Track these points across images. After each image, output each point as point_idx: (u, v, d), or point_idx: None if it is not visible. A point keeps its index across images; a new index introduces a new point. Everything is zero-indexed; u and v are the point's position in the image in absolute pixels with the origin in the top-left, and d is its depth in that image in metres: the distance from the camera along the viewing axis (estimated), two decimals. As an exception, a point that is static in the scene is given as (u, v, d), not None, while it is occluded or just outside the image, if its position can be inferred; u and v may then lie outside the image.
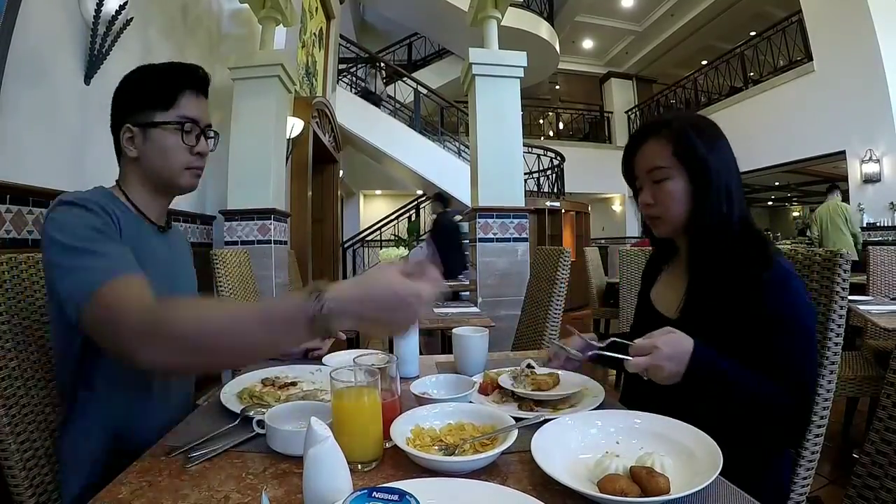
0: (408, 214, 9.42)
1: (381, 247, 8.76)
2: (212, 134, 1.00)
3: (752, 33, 8.74)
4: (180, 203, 2.84)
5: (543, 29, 8.49)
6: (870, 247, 2.89)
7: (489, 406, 0.86)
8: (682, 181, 0.90)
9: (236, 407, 0.85)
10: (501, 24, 3.40)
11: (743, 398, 0.79)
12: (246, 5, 3.25)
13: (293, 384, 1.00)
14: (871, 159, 6.02)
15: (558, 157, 9.00)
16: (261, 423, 0.73)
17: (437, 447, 0.69)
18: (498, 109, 3.17)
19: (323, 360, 1.20)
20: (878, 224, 5.96)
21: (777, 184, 11.78)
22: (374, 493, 0.49)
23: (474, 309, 2.51)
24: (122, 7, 2.08)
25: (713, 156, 0.88)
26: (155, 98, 0.93)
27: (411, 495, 0.49)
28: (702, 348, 0.78)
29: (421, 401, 0.84)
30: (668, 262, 1.07)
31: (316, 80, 5.27)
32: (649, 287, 1.09)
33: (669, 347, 0.77)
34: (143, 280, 0.75)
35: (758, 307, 0.82)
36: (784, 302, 0.82)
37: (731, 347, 0.81)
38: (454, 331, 1.14)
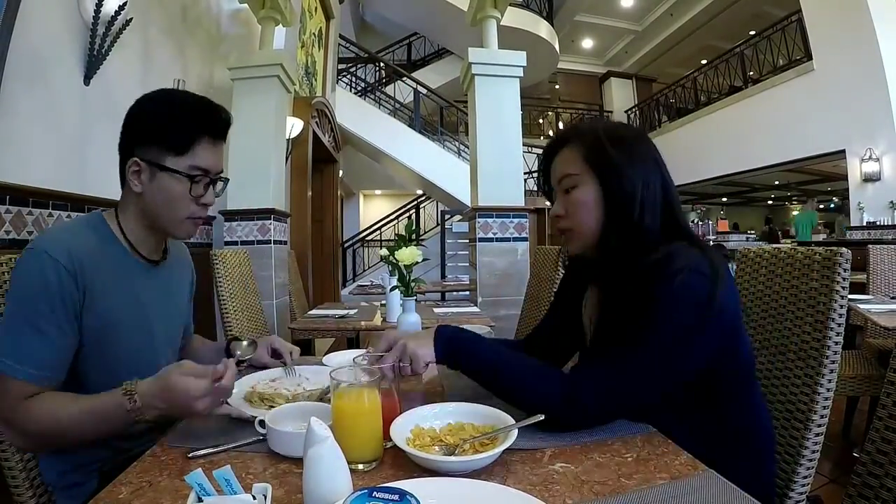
0: (408, 214, 9.43)
1: (380, 246, 8.77)
2: (223, 180, 0.97)
3: (752, 33, 8.73)
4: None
5: (543, 28, 8.49)
6: (870, 246, 2.89)
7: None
8: (592, 188, 0.83)
9: (244, 407, 0.85)
10: (501, 23, 3.40)
11: (498, 385, 0.80)
12: (245, 5, 3.25)
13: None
14: (870, 158, 6.02)
15: (558, 157, 8.99)
16: (262, 424, 0.73)
17: (437, 447, 0.69)
18: (497, 109, 3.17)
19: (323, 360, 1.20)
20: (878, 223, 5.96)
21: (777, 183, 11.78)
22: (374, 493, 0.49)
23: (474, 309, 2.51)
24: (121, 7, 2.08)
25: (627, 161, 0.82)
26: (170, 140, 0.87)
27: (411, 495, 0.49)
28: (445, 327, 0.83)
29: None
30: (587, 281, 0.99)
31: (315, 79, 5.27)
32: (577, 305, 1.00)
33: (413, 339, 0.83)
34: (19, 385, 0.76)
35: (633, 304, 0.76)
36: (654, 288, 0.74)
37: None
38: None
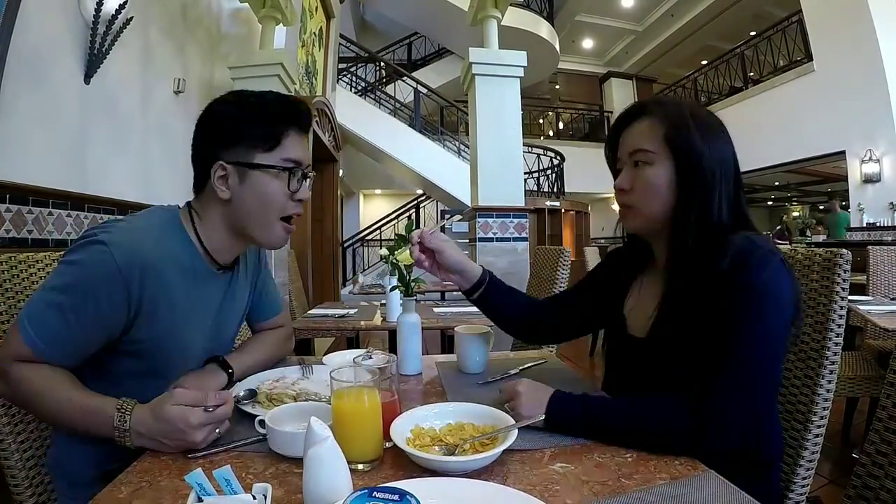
0: (407, 214, 9.43)
1: (380, 246, 8.77)
2: (312, 174, 0.92)
3: (752, 33, 8.74)
4: (179, 202, 2.84)
5: (543, 28, 8.50)
6: (870, 247, 2.89)
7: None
8: (667, 170, 0.78)
9: (248, 408, 0.85)
10: (501, 23, 3.40)
11: (627, 433, 0.70)
12: (246, 5, 3.25)
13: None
14: (871, 159, 6.03)
15: (558, 157, 9.01)
16: (262, 424, 0.73)
17: (437, 447, 0.69)
18: (498, 109, 3.17)
19: (323, 359, 1.20)
20: (878, 224, 5.96)
21: (777, 183, 11.79)
22: (374, 493, 0.49)
23: (474, 309, 2.50)
24: (121, 6, 2.07)
25: (709, 150, 0.76)
26: (258, 136, 0.84)
27: (411, 495, 0.49)
28: (561, 393, 0.76)
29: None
30: (641, 269, 0.94)
31: (316, 79, 5.27)
32: (620, 292, 0.96)
33: (529, 391, 0.77)
34: (28, 351, 0.75)
35: (723, 291, 0.71)
36: (748, 273, 0.69)
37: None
38: (456, 329, 1.14)
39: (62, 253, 0.82)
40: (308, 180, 0.91)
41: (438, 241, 0.98)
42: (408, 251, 1.13)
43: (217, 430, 0.73)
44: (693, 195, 0.77)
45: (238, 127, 0.85)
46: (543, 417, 0.75)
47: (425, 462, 0.64)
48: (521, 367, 1.14)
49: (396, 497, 0.48)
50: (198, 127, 0.88)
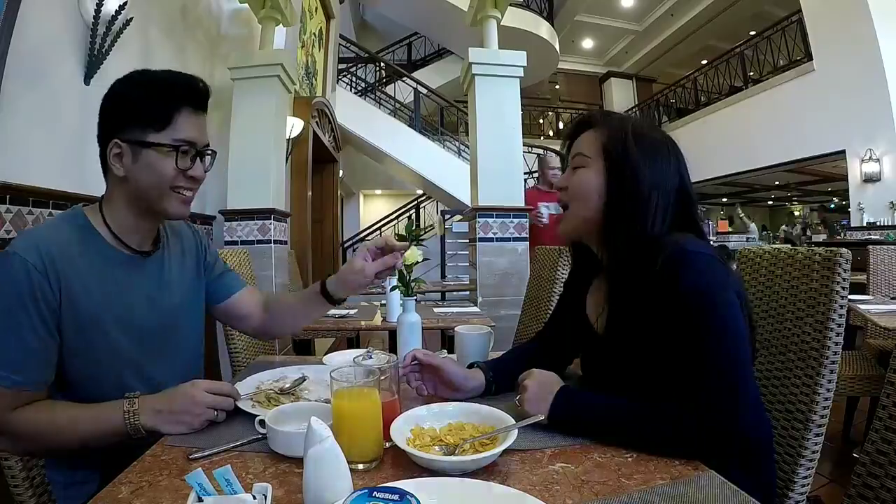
0: (408, 214, 9.43)
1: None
2: (209, 153, 0.92)
3: (752, 33, 8.74)
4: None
5: (543, 28, 8.49)
6: (870, 246, 2.89)
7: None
8: (598, 175, 0.83)
9: (247, 407, 0.85)
10: (501, 23, 3.40)
11: (631, 434, 0.71)
12: (246, 5, 3.25)
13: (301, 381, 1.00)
14: (871, 159, 6.02)
15: (558, 157, 9.00)
16: (262, 424, 0.74)
17: (437, 447, 0.69)
18: (498, 109, 3.17)
19: (323, 359, 1.20)
20: (878, 223, 5.96)
21: (777, 183, 11.78)
22: (374, 493, 0.49)
23: (474, 309, 2.51)
24: (121, 7, 2.08)
25: (645, 166, 0.80)
26: (148, 115, 0.85)
27: (412, 495, 0.49)
28: (567, 390, 0.77)
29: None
30: (597, 270, 0.97)
31: (316, 79, 5.27)
32: (580, 294, 0.99)
33: (536, 387, 0.78)
34: (13, 393, 0.76)
35: (660, 299, 0.74)
36: (682, 282, 0.72)
37: (659, 366, 0.75)
38: (456, 329, 1.14)
39: None
40: (207, 159, 0.91)
41: (437, 359, 0.92)
42: (410, 250, 1.13)
43: (216, 414, 0.80)
44: (622, 203, 0.81)
45: (131, 106, 0.85)
46: (542, 417, 0.75)
47: (425, 462, 0.64)
48: None
49: (396, 497, 0.48)
50: (102, 104, 0.88)
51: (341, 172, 6.14)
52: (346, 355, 1.16)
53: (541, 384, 0.79)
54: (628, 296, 0.81)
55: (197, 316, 1.05)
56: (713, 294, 0.73)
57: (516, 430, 0.69)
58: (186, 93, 0.87)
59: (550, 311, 1.85)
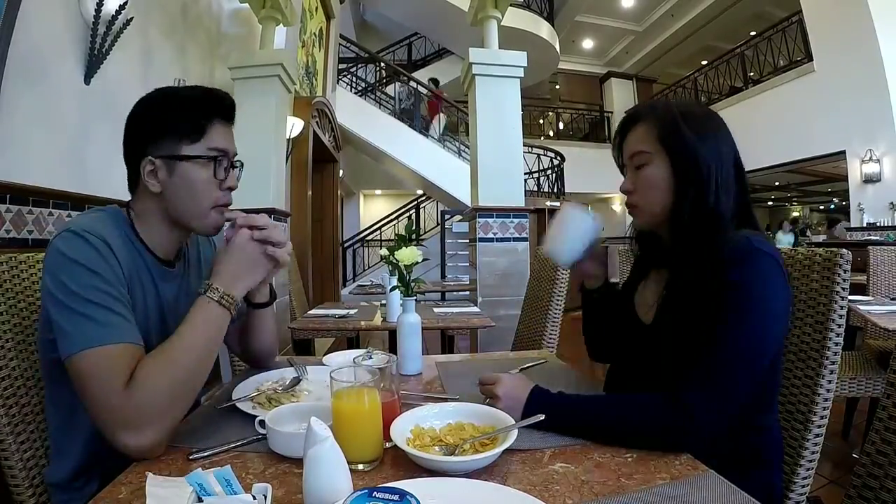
0: (408, 214, 9.43)
1: (381, 246, 8.77)
2: (238, 164, 0.95)
3: (752, 33, 8.74)
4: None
5: (543, 29, 8.49)
6: (870, 247, 2.89)
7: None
8: (663, 168, 0.83)
9: (248, 408, 0.85)
10: (501, 23, 3.40)
11: (602, 429, 0.73)
12: (246, 5, 3.25)
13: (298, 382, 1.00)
14: (871, 159, 6.02)
15: (558, 157, 9.00)
16: (262, 424, 0.73)
17: (437, 447, 0.69)
18: (498, 109, 3.17)
19: (323, 360, 1.20)
20: (878, 224, 5.96)
21: (777, 184, 11.78)
22: (375, 493, 0.49)
23: (474, 309, 2.51)
24: (122, 7, 2.08)
25: (702, 144, 0.81)
26: (183, 128, 0.86)
27: (411, 495, 0.49)
28: (539, 392, 0.79)
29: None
30: (655, 262, 0.98)
31: (316, 79, 5.27)
32: (633, 288, 1.02)
33: (505, 390, 0.80)
34: (132, 349, 0.73)
35: (710, 293, 0.75)
36: (739, 274, 0.73)
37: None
38: (564, 205, 1.05)
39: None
40: (236, 170, 0.94)
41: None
42: (410, 250, 1.13)
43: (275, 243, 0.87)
44: (689, 187, 0.81)
45: (163, 121, 0.86)
46: (543, 417, 0.75)
47: (425, 462, 0.64)
48: (521, 368, 1.14)
49: (396, 497, 0.48)
50: (126, 125, 0.89)
51: (341, 172, 6.14)
52: (346, 355, 1.16)
53: (512, 387, 0.81)
54: (686, 280, 0.81)
55: None
56: (755, 295, 0.73)
57: (516, 430, 0.69)
58: (218, 105, 0.90)
59: (550, 312, 1.86)
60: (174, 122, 0.86)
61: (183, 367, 0.74)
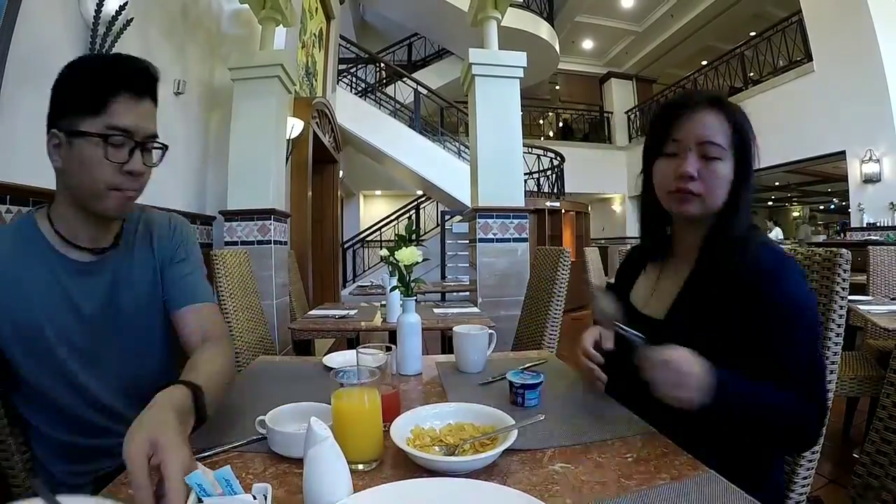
0: (408, 214, 9.43)
1: (381, 247, 8.77)
2: (156, 146, 0.83)
3: (752, 33, 8.73)
4: (178, 203, 2.84)
5: (543, 29, 8.49)
6: (870, 247, 2.89)
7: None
8: (730, 167, 0.84)
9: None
10: (501, 24, 3.40)
11: (764, 417, 0.74)
12: (246, 6, 3.25)
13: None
14: (871, 159, 6.02)
15: (558, 158, 9.00)
16: (262, 424, 0.73)
17: (437, 447, 0.69)
18: (498, 109, 3.17)
19: (323, 360, 1.20)
20: (878, 224, 5.96)
21: (777, 184, 11.78)
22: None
23: (474, 309, 2.51)
24: (122, 7, 2.08)
25: (753, 149, 0.86)
26: (81, 102, 0.77)
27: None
28: (719, 373, 0.71)
29: None
30: (654, 259, 1.00)
31: (316, 80, 5.27)
32: (628, 286, 1.02)
33: (677, 356, 0.71)
34: None
35: (754, 301, 0.78)
36: (782, 290, 0.77)
37: (722, 352, 0.75)
38: (455, 329, 1.14)
39: None
40: (156, 153, 0.84)
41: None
42: (410, 250, 1.13)
43: None
44: (745, 190, 0.85)
45: (67, 91, 0.79)
46: (542, 417, 0.74)
47: (425, 462, 0.64)
48: (521, 367, 1.14)
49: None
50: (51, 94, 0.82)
51: (341, 173, 6.14)
52: (346, 355, 1.16)
53: (682, 356, 0.72)
54: (711, 280, 0.84)
55: (160, 314, 0.95)
56: (807, 306, 0.78)
57: (516, 431, 0.69)
58: (124, 75, 0.80)
59: (550, 312, 1.86)
60: (75, 93, 0.79)
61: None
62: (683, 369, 0.70)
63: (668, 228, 0.97)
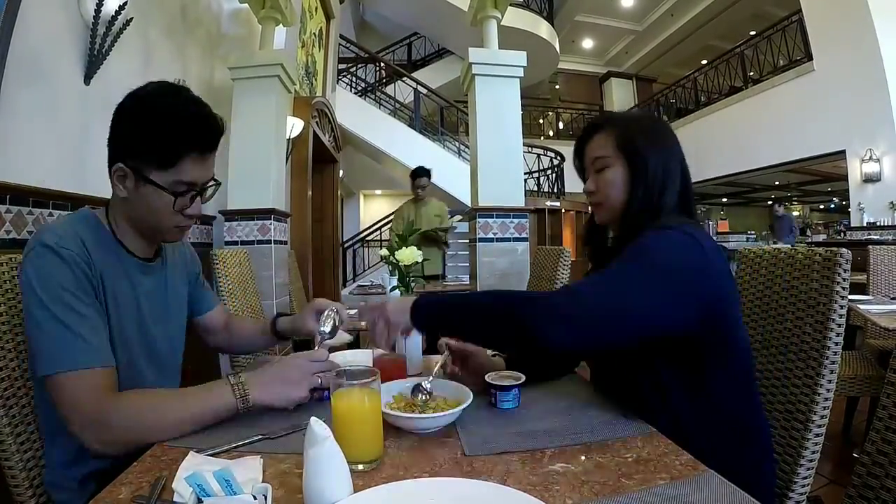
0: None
1: (381, 246, 8.76)
2: (211, 184, 0.91)
3: (752, 33, 8.73)
4: (180, 203, 2.84)
5: (543, 28, 8.49)
6: (870, 246, 2.89)
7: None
8: (621, 169, 0.93)
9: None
10: (501, 23, 3.40)
11: (479, 308, 0.82)
12: (246, 5, 3.25)
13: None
14: (871, 159, 6.02)
15: (558, 157, 9.00)
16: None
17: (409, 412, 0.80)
18: (498, 109, 3.17)
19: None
20: (878, 224, 5.96)
21: (777, 183, 11.78)
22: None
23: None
24: (122, 7, 2.07)
25: (653, 151, 0.91)
26: (154, 154, 0.82)
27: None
28: (426, 297, 0.86)
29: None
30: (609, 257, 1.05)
31: (316, 79, 5.27)
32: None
33: (392, 304, 0.86)
34: (99, 373, 0.76)
35: None
36: (637, 240, 0.83)
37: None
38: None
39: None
40: (207, 192, 0.91)
41: (468, 347, 1.03)
42: (410, 250, 1.13)
43: (320, 381, 0.85)
44: (639, 186, 0.91)
45: (140, 138, 0.83)
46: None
47: (394, 420, 0.75)
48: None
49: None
50: (115, 116, 0.86)
51: (341, 172, 6.14)
52: (346, 355, 1.16)
53: (399, 301, 0.87)
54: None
55: (183, 325, 1.09)
56: (647, 250, 0.80)
57: (472, 395, 0.81)
58: (198, 136, 0.85)
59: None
60: (148, 145, 0.82)
61: (166, 426, 0.76)
62: (386, 305, 0.86)
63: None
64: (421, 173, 4.30)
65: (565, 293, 0.81)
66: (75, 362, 0.74)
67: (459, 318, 0.83)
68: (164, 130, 0.82)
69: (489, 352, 1.09)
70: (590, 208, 1.02)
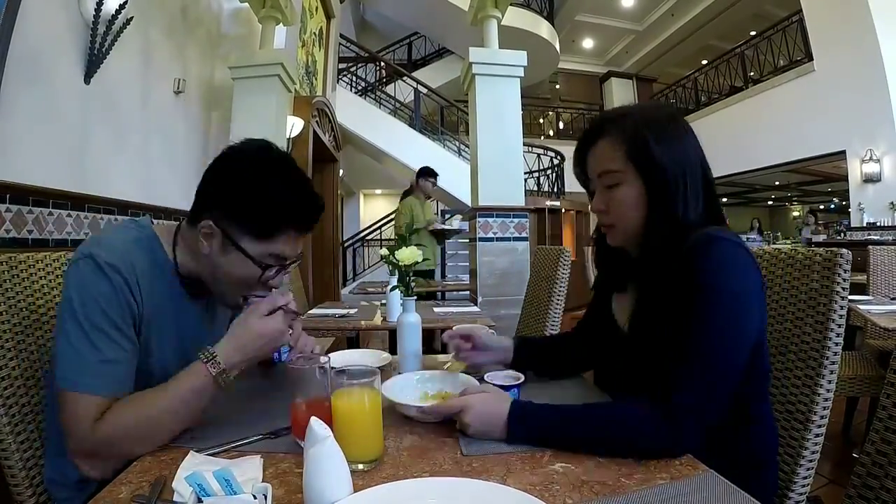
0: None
1: (381, 246, 8.76)
2: (297, 261, 0.88)
3: (753, 33, 8.74)
4: (181, 203, 2.84)
5: (543, 28, 8.49)
6: (870, 246, 2.89)
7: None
8: (635, 186, 0.80)
9: None
10: (501, 23, 3.40)
11: (592, 441, 0.69)
12: (246, 5, 3.25)
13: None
14: (871, 159, 6.02)
15: (558, 157, 9.00)
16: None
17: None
18: (498, 109, 3.17)
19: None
20: (878, 224, 5.96)
21: (777, 183, 11.78)
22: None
23: (474, 308, 2.50)
24: (122, 6, 2.07)
25: (670, 156, 0.79)
26: (252, 224, 0.80)
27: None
28: (520, 404, 0.74)
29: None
30: (627, 275, 0.95)
31: (316, 79, 5.27)
32: (608, 297, 0.99)
33: (479, 406, 0.73)
34: (98, 403, 0.72)
35: (679, 294, 0.73)
36: (699, 267, 0.72)
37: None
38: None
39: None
40: (292, 266, 0.89)
41: (471, 328, 1.03)
42: (410, 250, 1.13)
43: (290, 332, 0.82)
44: (660, 202, 0.80)
45: (240, 203, 0.80)
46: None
47: (399, 407, 0.80)
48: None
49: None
50: (210, 167, 0.84)
51: (341, 172, 6.13)
52: (346, 355, 1.16)
53: (487, 403, 0.74)
54: (655, 288, 0.80)
55: None
56: (718, 278, 0.71)
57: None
58: (303, 216, 0.83)
59: (550, 311, 1.86)
60: (247, 214, 0.79)
61: (155, 425, 0.72)
62: (487, 415, 0.72)
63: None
64: (435, 173, 4.29)
65: (676, 412, 0.68)
66: (84, 385, 0.72)
67: (567, 442, 0.70)
68: (271, 204, 0.79)
69: (487, 329, 1.08)
70: (596, 221, 0.89)
